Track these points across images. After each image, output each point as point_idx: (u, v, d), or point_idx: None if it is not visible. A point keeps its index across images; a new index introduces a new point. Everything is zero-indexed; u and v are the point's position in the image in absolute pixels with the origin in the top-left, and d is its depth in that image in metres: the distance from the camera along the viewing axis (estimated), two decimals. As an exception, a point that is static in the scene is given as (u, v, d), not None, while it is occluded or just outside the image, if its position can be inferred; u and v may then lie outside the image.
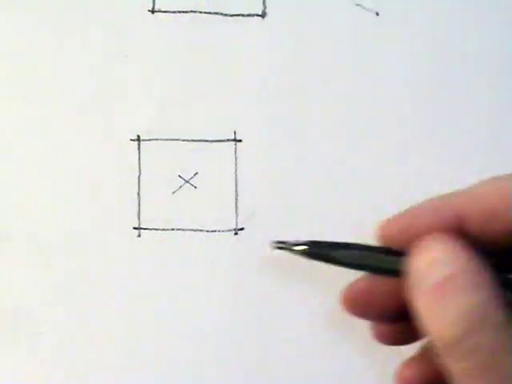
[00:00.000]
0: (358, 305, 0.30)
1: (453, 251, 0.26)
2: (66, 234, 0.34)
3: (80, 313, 0.34)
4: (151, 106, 0.35)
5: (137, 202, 0.34)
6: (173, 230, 0.34)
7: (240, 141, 0.35)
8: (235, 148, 0.35)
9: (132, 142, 0.35)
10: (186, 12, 0.35)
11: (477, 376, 0.25)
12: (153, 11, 0.35)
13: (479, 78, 0.36)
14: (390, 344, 0.31)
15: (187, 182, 0.35)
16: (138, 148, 0.35)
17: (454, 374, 0.25)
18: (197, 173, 0.35)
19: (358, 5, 0.36)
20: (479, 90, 0.36)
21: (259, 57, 0.35)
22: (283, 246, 0.31)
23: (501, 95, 0.36)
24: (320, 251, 0.30)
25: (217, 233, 0.34)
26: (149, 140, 0.35)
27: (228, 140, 0.35)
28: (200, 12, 0.35)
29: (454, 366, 0.25)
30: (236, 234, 0.34)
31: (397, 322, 0.27)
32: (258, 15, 0.35)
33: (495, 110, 0.36)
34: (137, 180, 0.34)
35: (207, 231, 0.34)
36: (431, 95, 0.35)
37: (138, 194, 0.34)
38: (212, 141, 0.35)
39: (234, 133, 0.35)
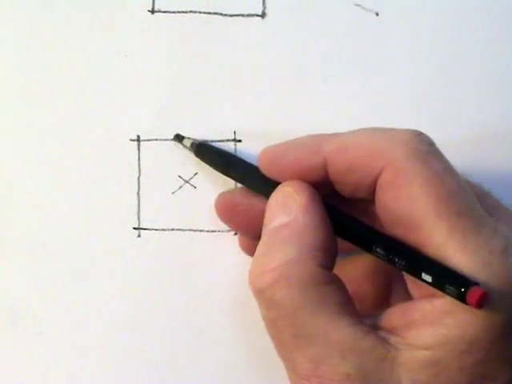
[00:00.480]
0: (226, 213, 0.32)
1: (295, 200, 0.26)
2: (66, 234, 0.34)
3: (80, 313, 0.34)
4: (151, 106, 0.35)
5: (137, 202, 0.34)
6: (173, 230, 0.34)
7: (240, 141, 0.35)
8: (235, 148, 0.35)
9: (132, 142, 0.35)
10: (186, 12, 0.35)
11: (278, 327, 0.25)
12: (153, 11, 0.35)
13: (480, 78, 0.36)
14: (251, 256, 0.32)
15: (187, 182, 0.35)
16: (138, 148, 0.35)
17: (263, 321, 0.25)
18: (197, 173, 0.35)
19: (357, 5, 0.35)
20: (480, 90, 0.36)
21: (259, 57, 0.35)
22: (177, 138, 0.34)
23: (501, 95, 0.36)
24: (205, 151, 0.33)
25: (217, 233, 0.34)
26: (149, 140, 0.35)
27: (228, 140, 0.35)
28: (200, 12, 0.35)
29: (262, 312, 0.25)
30: (236, 234, 0.34)
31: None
32: (257, 15, 0.35)
33: (496, 110, 0.36)
34: (136, 180, 0.35)
35: (207, 231, 0.34)
36: (431, 95, 0.35)
37: (138, 194, 0.34)
38: (212, 141, 0.35)
39: (234, 133, 0.35)
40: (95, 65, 0.35)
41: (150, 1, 0.35)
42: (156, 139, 0.35)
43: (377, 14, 0.36)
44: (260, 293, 0.26)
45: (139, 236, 0.34)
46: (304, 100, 0.35)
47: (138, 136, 0.35)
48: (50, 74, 0.35)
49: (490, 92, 0.36)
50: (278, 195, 0.28)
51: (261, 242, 0.27)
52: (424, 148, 0.25)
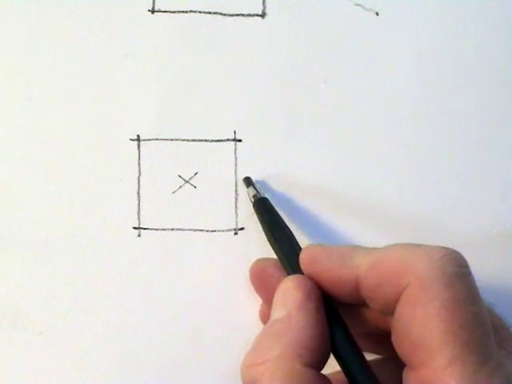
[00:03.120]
0: (257, 280, 0.33)
1: (292, 296, 0.27)
2: (66, 234, 0.34)
3: (80, 313, 0.34)
4: (151, 105, 0.35)
5: (136, 202, 0.34)
6: (173, 229, 0.34)
7: (240, 141, 0.35)
8: (235, 148, 0.35)
9: (132, 141, 0.35)
10: (186, 12, 0.35)
11: None
12: (153, 11, 0.35)
13: (480, 77, 0.36)
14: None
15: (187, 181, 0.35)
16: (138, 148, 0.35)
17: None
18: (197, 173, 0.35)
19: (357, 5, 0.36)
20: (480, 90, 0.36)
21: (259, 57, 0.35)
22: (247, 183, 0.34)
23: (501, 95, 0.36)
24: (260, 209, 0.32)
25: (217, 233, 0.34)
26: (149, 140, 0.35)
27: (228, 140, 0.35)
28: (200, 12, 0.35)
29: None
30: (236, 233, 0.34)
31: None
32: (257, 15, 0.35)
33: (496, 110, 0.36)
34: (136, 180, 0.35)
35: (207, 231, 0.34)
36: (432, 95, 0.35)
37: (138, 193, 0.34)
38: (212, 141, 0.35)
39: (234, 133, 0.35)
40: (95, 65, 0.35)
41: (150, 1, 0.35)
42: (156, 139, 0.35)
43: (377, 14, 0.36)
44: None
45: (139, 236, 0.34)
46: (304, 99, 0.35)
47: (138, 136, 0.35)
48: (50, 73, 0.35)
49: (491, 91, 0.36)
50: (279, 289, 0.28)
51: (257, 334, 0.28)
52: (451, 269, 0.25)
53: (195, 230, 0.34)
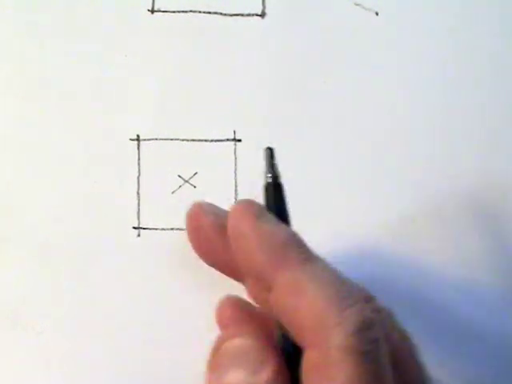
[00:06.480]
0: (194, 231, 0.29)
1: (259, 360, 0.25)
2: (66, 234, 0.34)
3: (80, 313, 0.34)
4: (151, 105, 0.35)
5: (136, 202, 0.34)
6: (172, 229, 0.34)
7: (240, 141, 0.35)
8: (235, 148, 0.35)
9: (131, 141, 0.35)
10: (186, 12, 0.35)
11: None
12: (152, 11, 0.35)
13: (479, 77, 0.36)
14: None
15: (187, 181, 0.35)
16: (138, 148, 0.35)
17: None
18: (196, 172, 0.35)
19: (357, 5, 0.36)
20: (479, 90, 0.36)
21: (259, 56, 0.35)
22: (268, 156, 0.30)
23: (502, 95, 0.36)
24: (270, 193, 0.30)
25: (217, 233, 0.34)
26: (148, 140, 0.35)
27: (228, 140, 0.35)
28: (200, 12, 0.35)
29: None
30: (236, 233, 0.34)
31: None
32: (257, 15, 0.35)
33: (496, 110, 0.36)
34: (136, 180, 0.35)
35: (207, 231, 0.34)
36: (431, 95, 0.35)
37: (138, 193, 0.34)
38: (212, 140, 0.35)
39: (234, 133, 0.35)
40: (95, 65, 0.35)
41: (150, 1, 0.35)
42: (156, 139, 0.35)
43: (377, 14, 0.36)
44: None
45: (139, 236, 0.34)
46: (304, 99, 0.35)
47: (138, 136, 0.35)
48: (49, 73, 0.35)
49: (491, 91, 0.36)
50: (231, 344, 0.27)
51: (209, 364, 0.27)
52: (363, 347, 0.23)
53: (195, 230, 0.34)
